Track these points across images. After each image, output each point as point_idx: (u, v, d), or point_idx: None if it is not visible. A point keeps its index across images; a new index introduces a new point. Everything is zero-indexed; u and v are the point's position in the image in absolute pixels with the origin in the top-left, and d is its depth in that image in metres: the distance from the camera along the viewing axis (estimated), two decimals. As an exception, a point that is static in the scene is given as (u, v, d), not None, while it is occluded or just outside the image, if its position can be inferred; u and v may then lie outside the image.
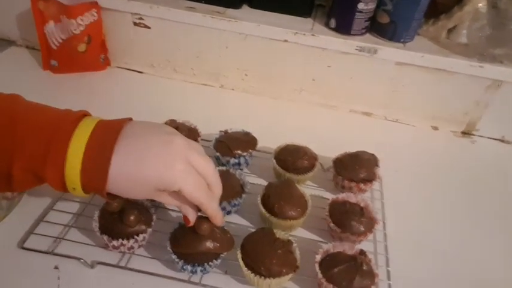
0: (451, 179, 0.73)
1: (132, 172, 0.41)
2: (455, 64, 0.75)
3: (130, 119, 0.45)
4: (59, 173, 0.40)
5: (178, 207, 0.46)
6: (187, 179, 0.41)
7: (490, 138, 0.84)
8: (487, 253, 0.60)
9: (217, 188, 0.46)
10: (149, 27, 0.85)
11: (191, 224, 0.47)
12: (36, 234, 0.54)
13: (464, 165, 0.77)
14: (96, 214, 0.52)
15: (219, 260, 0.50)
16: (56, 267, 0.51)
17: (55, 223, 0.55)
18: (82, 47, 0.85)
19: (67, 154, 0.40)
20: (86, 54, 0.86)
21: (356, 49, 0.78)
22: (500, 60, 0.74)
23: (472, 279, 0.56)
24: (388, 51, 0.77)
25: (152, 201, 0.56)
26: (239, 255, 0.49)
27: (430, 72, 0.78)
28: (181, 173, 0.41)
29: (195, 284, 0.50)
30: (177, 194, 0.43)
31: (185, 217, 0.47)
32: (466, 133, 0.85)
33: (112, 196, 0.43)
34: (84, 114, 0.44)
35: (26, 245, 0.52)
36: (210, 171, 0.45)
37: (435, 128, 0.85)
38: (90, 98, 0.83)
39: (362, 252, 0.51)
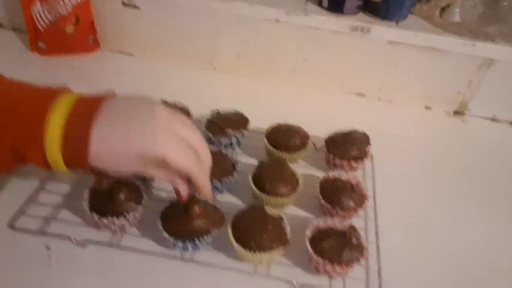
0: (442, 158, 0.74)
1: (114, 145, 0.39)
2: (448, 43, 0.75)
3: (114, 95, 0.44)
4: (39, 149, 0.39)
5: (169, 182, 0.46)
6: (172, 148, 0.40)
7: (482, 117, 0.84)
8: (476, 229, 0.61)
9: (206, 157, 0.45)
10: (138, 8, 0.84)
11: (185, 198, 0.46)
12: (26, 214, 0.54)
13: (455, 145, 0.78)
14: (86, 193, 0.52)
15: (210, 237, 0.50)
16: (47, 247, 0.50)
17: (45, 204, 0.55)
18: (70, 28, 0.83)
19: (46, 129, 0.39)
20: (74, 35, 0.85)
21: (349, 28, 0.77)
22: (493, 38, 0.74)
23: (460, 255, 0.57)
24: (381, 30, 0.76)
25: (144, 180, 0.56)
26: (230, 232, 0.50)
27: (423, 51, 0.77)
28: (165, 142, 0.40)
29: (187, 260, 0.51)
30: (166, 168, 0.42)
31: (178, 192, 0.46)
32: (458, 112, 0.85)
33: (99, 173, 0.43)
34: (65, 90, 0.43)
35: (16, 225, 0.52)
36: (197, 139, 0.43)
37: (428, 108, 0.85)
38: (79, 81, 0.80)
39: (352, 227, 0.51)
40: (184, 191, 0.46)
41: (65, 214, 0.54)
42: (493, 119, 0.84)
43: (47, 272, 0.48)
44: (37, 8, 0.81)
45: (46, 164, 0.41)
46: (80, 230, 0.53)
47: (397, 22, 0.77)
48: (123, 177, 0.45)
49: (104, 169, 0.41)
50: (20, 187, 0.57)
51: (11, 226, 0.52)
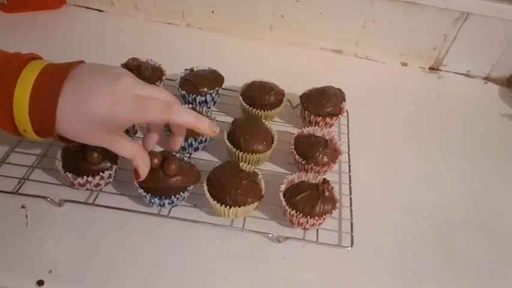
0: (417, 114, 0.75)
1: (79, 111, 0.40)
2: (425, -4, 0.74)
3: (82, 62, 0.43)
4: (8, 115, 0.40)
5: (131, 158, 0.45)
6: (135, 108, 0.40)
7: (456, 73, 0.86)
8: (448, 182, 0.63)
9: (180, 106, 0.43)
10: (106, -40, 0.79)
11: (141, 178, 0.46)
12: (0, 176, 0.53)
13: (430, 101, 0.79)
14: (59, 153, 0.51)
15: (186, 193, 0.51)
16: (23, 207, 0.50)
17: (18, 164, 0.54)
18: (33, -18, 0.78)
19: (14, 96, 0.39)
20: (39, -10, 0.80)
21: (325, -18, 0.75)
22: (469, -9, 0.74)
23: (430, 207, 0.59)
24: (358, -16, 0.74)
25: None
26: (205, 188, 0.50)
27: (400, 6, 0.76)
28: (127, 107, 0.40)
29: (164, 216, 0.52)
30: (133, 144, 0.43)
31: (136, 171, 0.46)
32: (433, 69, 0.86)
33: (70, 142, 0.43)
34: (33, 57, 0.42)
35: (-11, 186, 0.52)
36: (165, 95, 0.43)
37: (404, 65, 0.86)
38: (45, 38, 0.78)
39: (325, 181, 0.52)
40: (144, 172, 0.46)
41: (39, 174, 0.54)
42: (467, 75, 0.86)
43: (25, 231, 0.48)
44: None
45: (15, 130, 0.41)
46: (56, 189, 0.52)
47: (374, -25, 0.75)
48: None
49: (72, 137, 0.41)
50: (-10, 149, 0.56)
51: (-16, 188, 0.51)
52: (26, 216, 0.50)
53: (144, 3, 0.85)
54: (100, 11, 0.87)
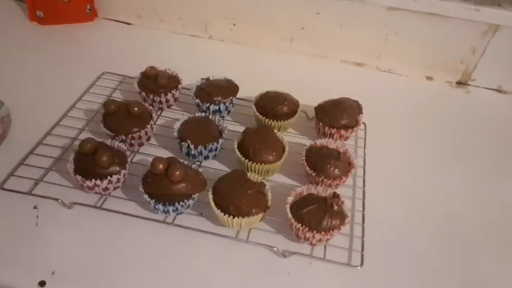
0: (442, 130, 0.71)
1: None
2: (450, 7, 0.71)
3: None
4: None
5: None
6: None
7: (486, 88, 0.81)
8: (470, 201, 0.59)
9: None
10: (134, -25, 0.83)
11: None
12: (16, 176, 0.55)
13: (456, 116, 0.75)
14: (72, 156, 0.53)
15: (191, 201, 0.51)
16: (35, 207, 0.52)
17: (35, 166, 0.56)
18: (66, -3, 0.83)
19: None
20: (71, 4, 0.84)
21: (346, -6, 0.74)
22: (498, 2, 0.70)
23: (448, 228, 0.56)
24: (380, -5, 0.73)
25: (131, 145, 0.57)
26: (211, 196, 0.50)
27: (424, 18, 0.74)
28: None
29: (169, 224, 0.51)
30: None
31: None
32: (461, 83, 0.82)
33: None
34: None
35: (6, 186, 0.54)
36: None
37: (429, 78, 0.82)
38: (77, 49, 0.82)
39: (334, 195, 0.50)
40: None
41: (53, 176, 0.56)
42: (499, 90, 0.81)
43: (34, 232, 0.50)
44: (33, -24, 0.81)
45: None
46: (67, 191, 0.54)
47: (397, -14, 0.73)
48: None
49: None
50: (12, 150, 0.58)
51: (1, 187, 0.53)
52: (37, 217, 0.51)
53: (169, 16, 0.87)
54: (128, 23, 0.90)
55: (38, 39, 0.84)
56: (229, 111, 0.67)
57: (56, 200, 0.52)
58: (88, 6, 0.88)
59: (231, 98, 0.64)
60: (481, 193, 0.61)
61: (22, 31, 0.85)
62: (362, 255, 0.50)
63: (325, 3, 0.76)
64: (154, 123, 0.62)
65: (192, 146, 0.56)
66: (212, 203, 0.49)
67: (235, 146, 0.57)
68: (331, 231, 0.48)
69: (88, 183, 0.50)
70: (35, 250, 0.48)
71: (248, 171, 0.54)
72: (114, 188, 0.53)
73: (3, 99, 0.64)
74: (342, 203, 0.50)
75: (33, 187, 0.54)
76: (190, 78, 0.69)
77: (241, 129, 0.63)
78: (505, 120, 0.75)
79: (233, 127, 0.65)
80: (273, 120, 0.62)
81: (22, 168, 0.56)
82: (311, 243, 0.50)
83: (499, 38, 0.73)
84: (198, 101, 0.64)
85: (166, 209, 0.50)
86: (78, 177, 0.51)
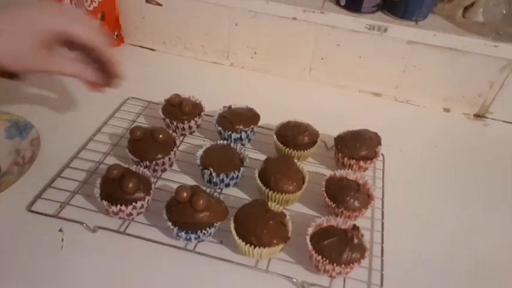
0: (459, 163, 0.71)
1: (16, 31, 0.42)
2: (468, 43, 0.72)
3: None
4: None
5: (76, 74, 0.48)
6: (70, 20, 0.44)
7: (504, 121, 0.81)
8: (487, 238, 0.59)
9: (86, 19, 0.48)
10: (161, 5, 0.86)
11: (99, 85, 0.49)
12: (43, 198, 0.57)
13: (475, 149, 0.75)
14: (98, 181, 0.54)
15: (213, 229, 0.52)
16: (60, 230, 0.53)
17: (62, 189, 0.58)
18: (95, 24, 0.87)
19: None
20: (99, 30, 0.88)
21: (366, 27, 0.76)
22: (517, 39, 0.71)
23: (466, 261, 0.55)
24: (399, 30, 0.75)
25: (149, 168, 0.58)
26: (232, 225, 0.51)
27: (443, 52, 0.75)
28: (58, 12, 0.44)
29: (190, 251, 0.52)
30: (69, 59, 0.46)
31: (91, 84, 0.49)
32: (479, 116, 0.82)
33: (7, 74, 0.46)
34: None
35: (33, 208, 0.55)
36: (76, 11, 0.47)
37: (447, 110, 0.83)
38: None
39: (355, 227, 0.51)
40: (92, 77, 0.49)
41: (79, 200, 0.57)
42: (517, 124, 0.81)
43: (58, 254, 0.51)
44: (66, 3, 0.85)
45: None
46: (92, 215, 0.55)
47: (416, 21, 0.75)
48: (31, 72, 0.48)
49: (12, 64, 0.44)
50: (40, 173, 0.60)
51: (29, 209, 0.55)
52: (62, 240, 0.52)
53: (192, 43, 0.90)
54: (152, 49, 0.94)
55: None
56: (249, 139, 0.68)
57: (81, 223, 0.53)
58: (116, 33, 0.91)
59: (252, 126, 0.66)
60: (501, 228, 0.61)
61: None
62: (381, 289, 0.50)
63: (345, 36, 0.79)
64: (177, 149, 0.64)
65: (214, 174, 0.57)
66: (234, 233, 0.50)
67: (256, 174, 0.58)
68: (351, 265, 0.48)
69: (113, 208, 0.52)
70: (58, 274, 0.49)
71: (268, 200, 0.55)
72: (138, 214, 0.55)
73: (32, 121, 0.66)
74: (362, 235, 0.51)
75: (60, 210, 0.55)
76: (211, 105, 0.71)
77: (262, 157, 0.64)
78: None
79: (253, 155, 0.66)
80: (294, 150, 0.63)
81: (49, 190, 0.58)
82: (330, 276, 0.50)
83: (518, 73, 0.74)
84: (220, 128, 0.65)
85: (188, 237, 0.51)
86: (104, 203, 0.52)
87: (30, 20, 0.43)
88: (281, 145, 0.63)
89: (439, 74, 0.79)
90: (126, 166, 0.55)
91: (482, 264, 0.55)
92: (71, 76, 0.48)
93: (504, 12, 0.70)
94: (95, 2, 0.84)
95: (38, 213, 0.55)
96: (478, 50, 0.73)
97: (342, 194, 0.55)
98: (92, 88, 0.49)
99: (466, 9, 0.76)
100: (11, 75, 0.46)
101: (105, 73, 0.50)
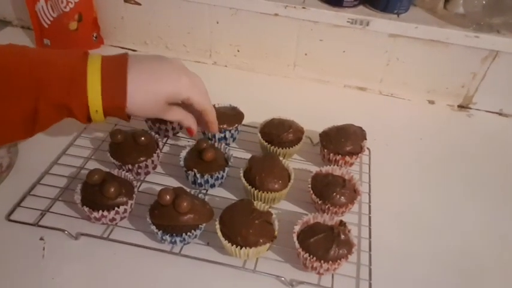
0: (445, 154, 0.71)
1: (147, 86, 0.47)
2: (450, 35, 0.73)
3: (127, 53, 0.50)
4: (83, 97, 0.45)
5: (181, 121, 0.54)
6: (193, 89, 0.50)
7: (488, 111, 0.82)
8: (475, 229, 0.59)
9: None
10: (140, 4, 0.84)
11: (195, 133, 0.56)
12: (23, 207, 0.55)
13: (460, 140, 0.75)
14: (79, 187, 0.53)
15: (198, 231, 0.51)
16: (41, 239, 0.52)
17: (42, 196, 0.57)
18: (73, 25, 0.84)
19: (88, 78, 0.45)
20: (78, 32, 0.86)
21: (348, 21, 0.76)
22: (497, 29, 0.72)
23: (455, 255, 0.55)
24: (381, 23, 0.74)
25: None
26: (217, 226, 0.50)
27: (425, 44, 0.75)
28: (189, 84, 0.49)
29: (175, 254, 0.51)
30: (181, 109, 0.53)
31: (189, 129, 0.56)
32: (462, 107, 0.83)
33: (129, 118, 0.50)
34: (86, 51, 0.48)
35: (12, 217, 0.54)
36: (200, 81, 0.54)
37: (431, 102, 0.83)
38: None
39: (341, 223, 0.50)
40: (195, 127, 0.56)
41: (59, 207, 0.56)
42: (500, 113, 0.82)
43: (40, 263, 0.49)
44: (41, 5, 0.83)
45: (86, 112, 0.46)
46: (74, 222, 0.54)
47: (398, 14, 0.75)
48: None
49: (137, 112, 0.48)
50: (18, 180, 0.58)
51: (8, 218, 0.53)
52: (43, 249, 0.51)
53: (174, 43, 0.89)
54: (134, 50, 0.92)
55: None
56: (234, 139, 0.67)
57: (63, 231, 0.52)
58: (94, 34, 0.89)
59: (236, 125, 0.65)
60: (488, 219, 0.61)
61: (29, 59, 0.87)
62: (370, 284, 0.50)
63: (328, 31, 0.78)
64: (161, 151, 0.63)
65: (198, 175, 0.56)
66: (220, 234, 0.49)
67: (241, 174, 0.57)
68: (338, 261, 0.48)
69: (95, 214, 0.50)
70: (41, 283, 0.47)
71: (254, 199, 0.55)
72: (121, 219, 0.53)
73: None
74: (349, 231, 0.50)
75: (40, 218, 0.54)
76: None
77: (247, 156, 0.63)
78: (507, 142, 0.76)
79: (239, 154, 0.65)
80: (278, 148, 0.62)
81: (29, 198, 0.56)
82: (319, 273, 0.50)
83: (499, 63, 0.74)
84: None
85: (173, 240, 0.50)
86: (86, 209, 0.51)
87: (166, 89, 0.49)
88: (266, 143, 0.63)
89: (422, 66, 0.79)
90: (107, 170, 0.54)
91: (469, 257, 0.55)
92: (177, 121, 0.55)
93: (484, 3, 0.71)
94: (71, 3, 0.82)
95: (17, 222, 0.53)
96: (459, 41, 0.73)
97: (328, 190, 0.54)
98: (189, 133, 0.56)
99: (446, 1, 0.77)
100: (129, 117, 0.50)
101: (201, 123, 0.57)
